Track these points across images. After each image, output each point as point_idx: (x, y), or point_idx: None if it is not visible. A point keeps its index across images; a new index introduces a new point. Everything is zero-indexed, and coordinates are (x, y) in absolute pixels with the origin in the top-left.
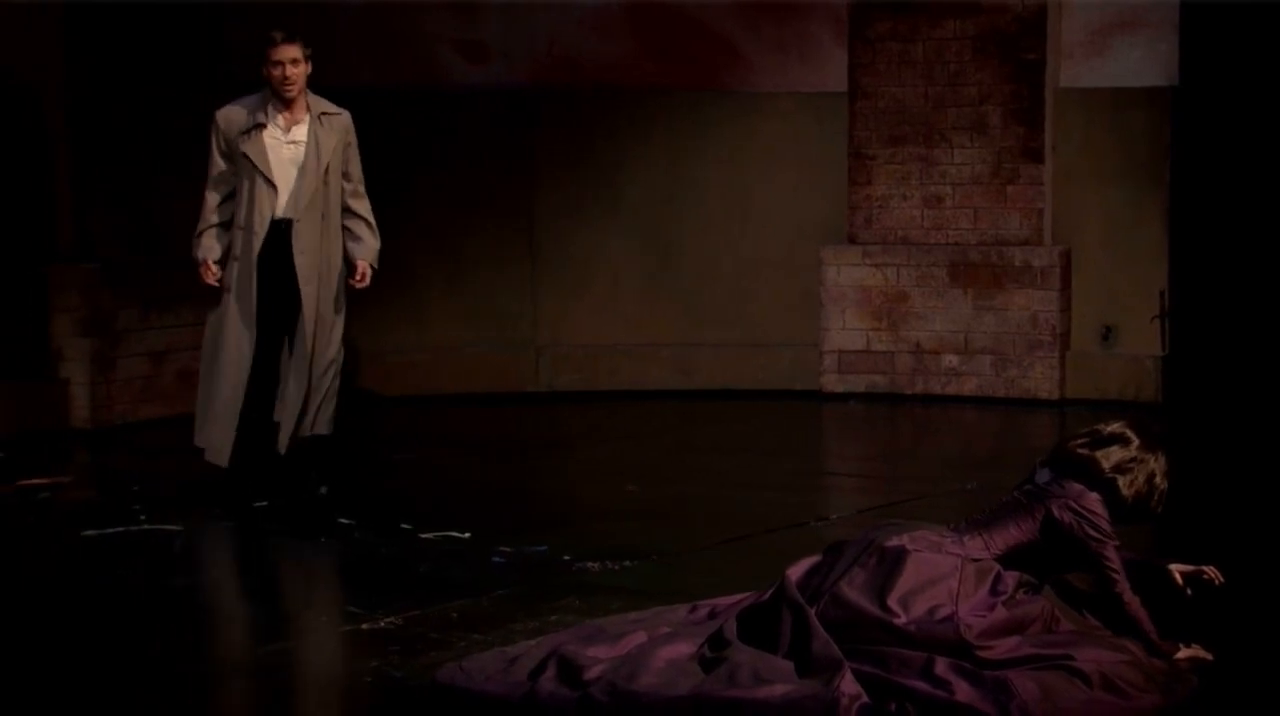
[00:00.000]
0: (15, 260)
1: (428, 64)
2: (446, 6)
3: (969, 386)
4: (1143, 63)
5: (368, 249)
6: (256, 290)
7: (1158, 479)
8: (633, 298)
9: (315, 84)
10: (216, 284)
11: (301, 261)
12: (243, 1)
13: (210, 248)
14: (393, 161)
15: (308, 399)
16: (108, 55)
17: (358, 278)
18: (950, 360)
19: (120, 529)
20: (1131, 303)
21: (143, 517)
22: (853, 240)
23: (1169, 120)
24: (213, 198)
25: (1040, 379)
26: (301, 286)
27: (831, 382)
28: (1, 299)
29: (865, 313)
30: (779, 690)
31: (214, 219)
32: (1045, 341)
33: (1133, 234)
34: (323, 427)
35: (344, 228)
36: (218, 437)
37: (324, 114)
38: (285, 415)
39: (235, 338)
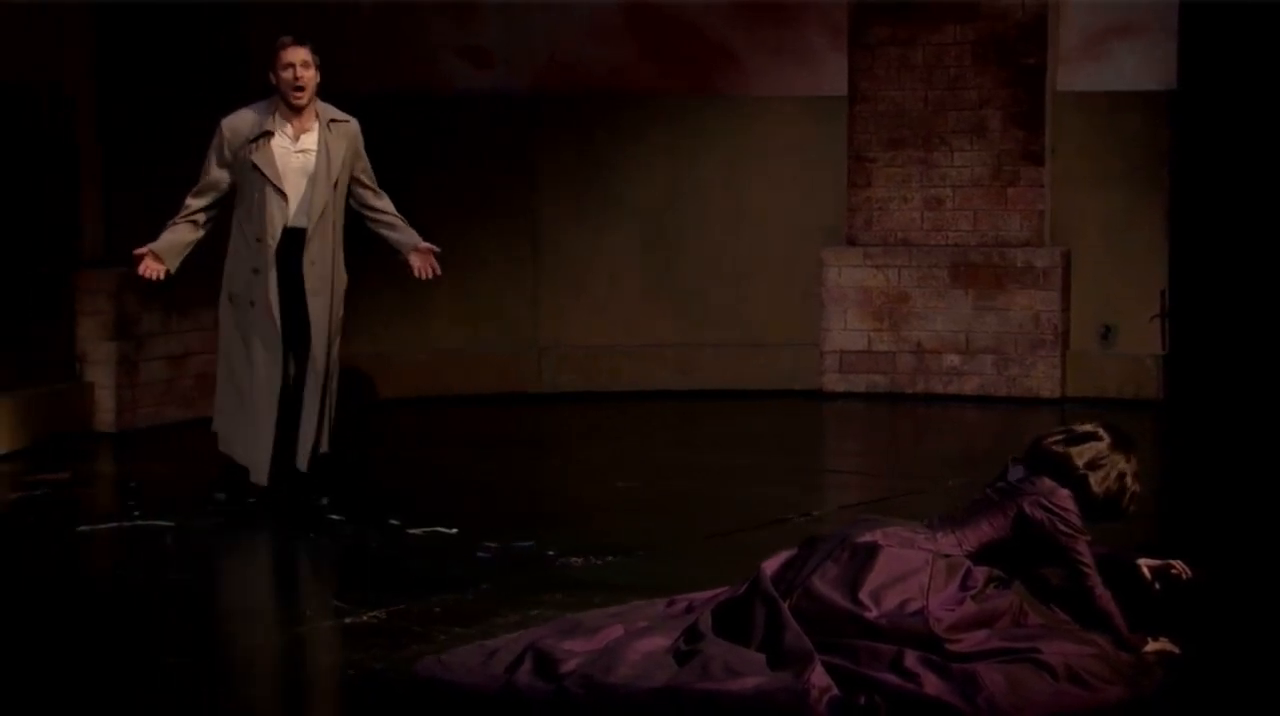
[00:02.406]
0: (42, 265)
1: (431, 69)
2: (449, 13)
3: (970, 386)
4: (1140, 67)
5: (412, 235)
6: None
7: (1129, 478)
8: (634, 299)
9: (324, 88)
10: (150, 278)
11: (311, 272)
12: (255, 3)
13: (162, 239)
14: (396, 164)
15: (322, 413)
16: (135, 61)
17: (424, 263)
18: (952, 360)
19: (114, 524)
20: (1131, 303)
21: (137, 513)
22: (852, 242)
23: (1167, 123)
24: (194, 202)
25: (1042, 378)
26: (310, 298)
27: (833, 382)
28: (29, 304)
29: (866, 313)
30: (750, 682)
31: (184, 217)
32: (1047, 341)
33: (1132, 235)
34: (325, 442)
35: (376, 223)
36: (259, 459)
37: (333, 121)
38: (305, 430)
39: (263, 354)
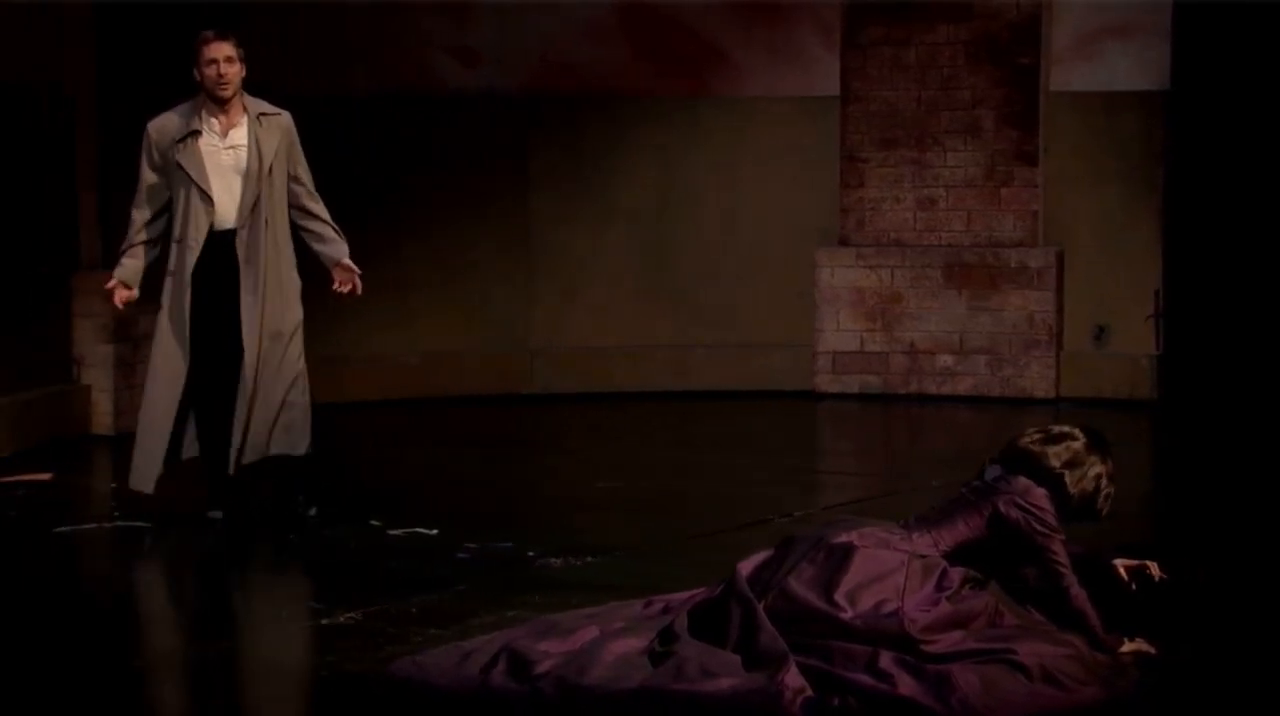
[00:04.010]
0: (40, 268)
1: (425, 69)
2: (444, 14)
3: (964, 386)
4: (1134, 67)
5: (340, 248)
6: (194, 305)
7: (1104, 480)
8: (627, 300)
9: (318, 90)
10: (122, 307)
11: (246, 270)
12: (254, 4)
13: (125, 267)
14: (389, 165)
15: (256, 415)
16: (135, 62)
17: (343, 280)
18: (945, 360)
19: (92, 525)
20: (1125, 303)
21: (116, 514)
22: (844, 242)
23: (1161, 123)
24: (139, 215)
25: (1036, 378)
26: (242, 296)
27: (826, 383)
28: (27, 306)
29: (859, 314)
30: (725, 684)
31: (139, 238)
32: (1042, 341)
33: (1126, 235)
34: (300, 447)
35: (305, 231)
36: (142, 463)
37: (262, 115)
38: (234, 433)
39: (165, 357)
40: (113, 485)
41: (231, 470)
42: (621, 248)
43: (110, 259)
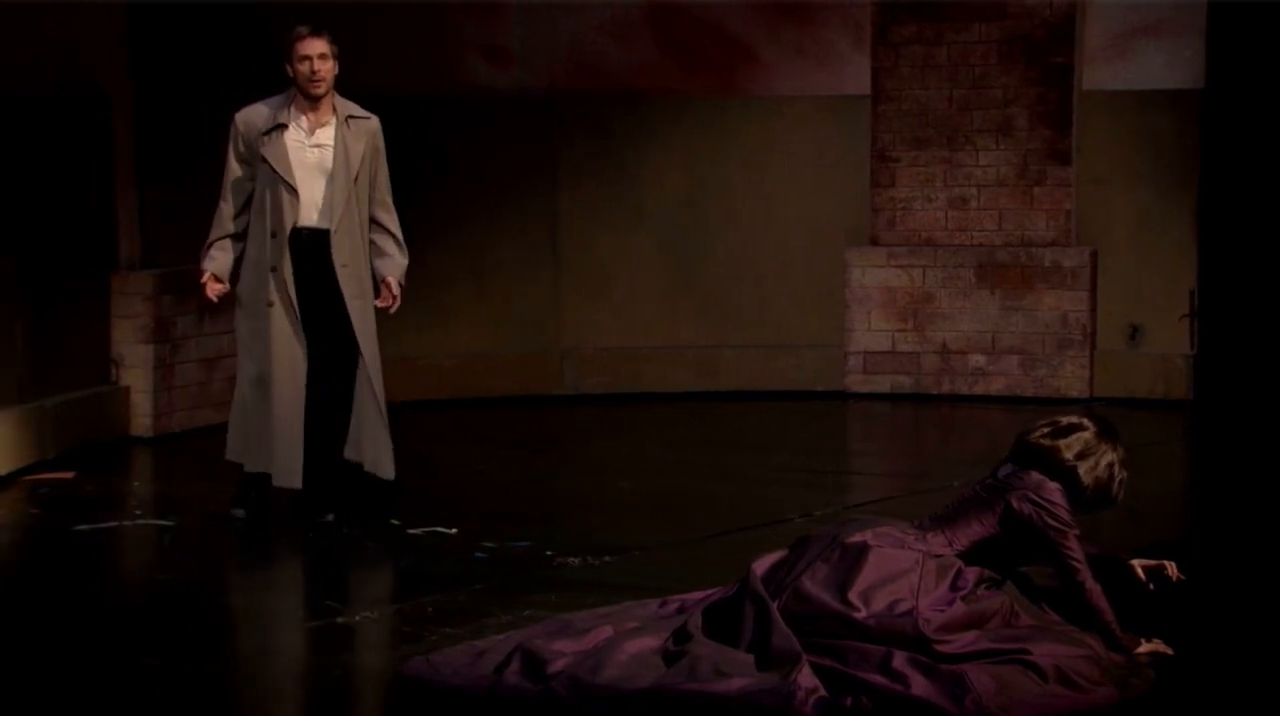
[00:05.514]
0: (78, 269)
1: (453, 69)
2: (471, 13)
3: (997, 386)
4: (1168, 66)
5: (395, 265)
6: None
7: (1117, 468)
8: (656, 301)
9: (343, 89)
10: (216, 300)
11: (345, 275)
12: (288, 4)
13: (216, 260)
14: (416, 166)
15: (369, 418)
16: (171, 64)
17: (384, 297)
18: (977, 360)
19: (114, 524)
20: (1159, 302)
21: (138, 512)
22: (875, 242)
23: (1195, 122)
24: (227, 207)
25: (1070, 378)
26: (349, 302)
27: (856, 383)
28: (66, 308)
29: (890, 313)
30: (737, 683)
31: (227, 230)
32: (1076, 340)
33: (1160, 235)
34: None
35: (369, 244)
36: (286, 459)
37: (351, 117)
38: (366, 437)
39: (286, 352)
40: (135, 483)
41: (352, 454)
42: (650, 247)
43: (150, 259)
